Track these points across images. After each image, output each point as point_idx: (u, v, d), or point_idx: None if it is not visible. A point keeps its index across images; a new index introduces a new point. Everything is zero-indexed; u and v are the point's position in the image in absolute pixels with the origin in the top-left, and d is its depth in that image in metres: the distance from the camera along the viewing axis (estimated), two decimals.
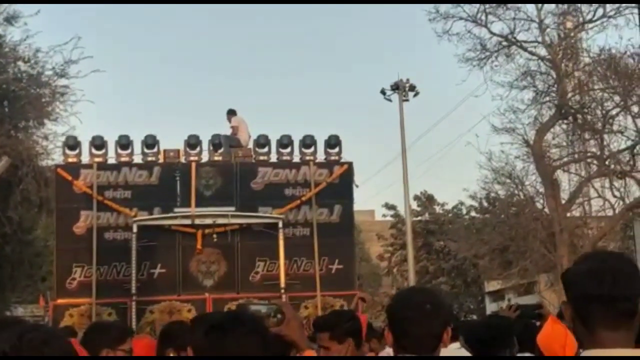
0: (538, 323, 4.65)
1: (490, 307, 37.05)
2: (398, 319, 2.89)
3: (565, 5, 24.17)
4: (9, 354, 1.34)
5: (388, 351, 6.85)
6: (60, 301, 14.21)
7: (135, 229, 13.90)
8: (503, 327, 4.28)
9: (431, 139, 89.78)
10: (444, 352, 2.95)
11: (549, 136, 24.68)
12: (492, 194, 28.12)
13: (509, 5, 23.87)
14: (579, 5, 23.99)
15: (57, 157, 20.91)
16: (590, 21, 23.83)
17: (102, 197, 14.41)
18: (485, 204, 31.87)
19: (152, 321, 13.28)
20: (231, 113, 16.18)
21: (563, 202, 24.29)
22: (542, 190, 24.70)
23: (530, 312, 4.93)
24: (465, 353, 6.03)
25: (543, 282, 26.26)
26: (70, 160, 14.85)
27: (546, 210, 24.54)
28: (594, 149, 24.55)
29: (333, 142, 15.43)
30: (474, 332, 4.41)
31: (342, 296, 14.40)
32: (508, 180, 25.78)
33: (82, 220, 14.43)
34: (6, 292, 26.53)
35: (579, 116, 24.34)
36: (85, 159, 14.82)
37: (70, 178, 14.51)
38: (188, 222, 14.34)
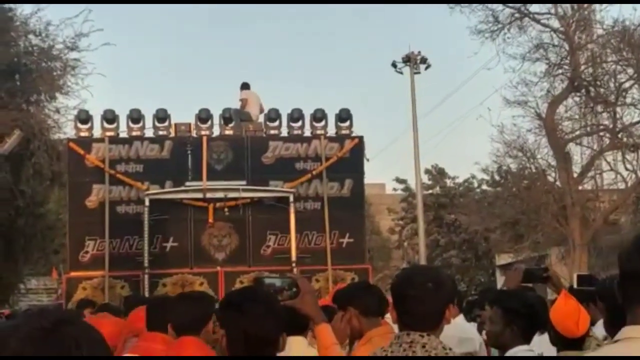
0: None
1: (501, 281, 37.06)
2: (401, 297, 2.96)
3: None
4: (38, 341, 1.34)
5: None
6: (73, 274, 14.31)
7: (147, 203, 13.95)
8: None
9: (442, 112, 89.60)
10: (447, 328, 2.98)
11: (561, 109, 24.58)
12: (504, 167, 28.07)
13: None
14: None
15: (68, 131, 20.98)
16: None
17: (114, 170, 14.44)
18: (496, 177, 31.83)
19: (164, 294, 13.34)
20: (244, 87, 16.17)
21: (575, 175, 24.25)
22: (554, 163, 24.66)
23: (537, 274, 4.81)
24: (468, 327, 6.06)
25: (554, 256, 26.25)
26: (82, 134, 14.87)
27: (558, 183, 24.49)
28: (606, 122, 24.43)
29: (344, 115, 15.40)
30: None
31: (352, 269, 14.44)
32: (520, 154, 25.72)
33: (94, 194, 14.48)
34: (19, 264, 26.73)
35: (592, 89, 24.20)
36: (97, 132, 14.84)
37: (82, 152, 14.55)
38: (199, 195, 14.38)
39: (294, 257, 14.10)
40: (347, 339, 4.05)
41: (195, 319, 3.91)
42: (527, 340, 3.67)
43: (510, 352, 3.69)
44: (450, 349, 2.90)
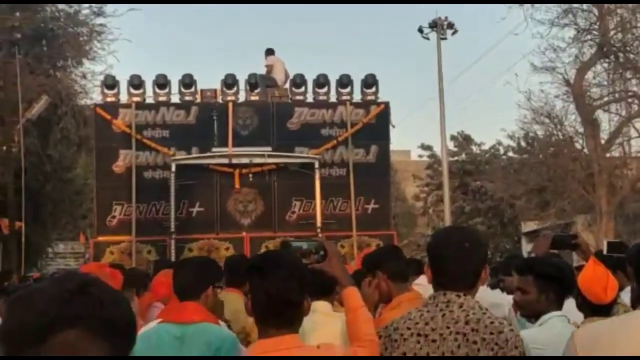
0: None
1: (527, 248, 36.98)
2: (437, 257, 2.95)
3: None
4: (67, 299, 1.36)
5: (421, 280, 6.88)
6: (100, 238, 14.46)
7: (173, 168, 14.02)
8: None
9: (469, 78, 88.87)
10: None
11: (589, 75, 24.29)
12: (531, 134, 27.86)
13: None
14: None
15: (95, 97, 21.09)
16: None
17: (141, 136, 14.51)
18: (523, 144, 31.60)
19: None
20: (269, 52, 16.11)
21: (603, 142, 24.01)
22: (581, 130, 24.42)
23: (566, 241, 4.77)
24: (496, 292, 6.06)
25: (580, 223, 26.09)
26: (108, 99, 14.94)
27: (585, 150, 24.29)
28: (635, 88, 24.13)
29: (370, 81, 15.32)
30: None
31: (377, 236, 14.45)
32: (547, 120, 25.49)
33: (121, 159, 14.58)
34: (47, 229, 27.06)
35: (621, 54, 23.86)
36: (123, 98, 14.90)
37: (109, 117, 14.62)
38: (225, 161, 14.42)
39: (319, 223, 14.15)
40: (376, 304, 4.06)
41: (193, 284, 4.00)
42: (560, 306, 3.67)
43: (546, 318, 3.69)
44: (486, 309, 2.89)
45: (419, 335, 2.85)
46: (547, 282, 3.67)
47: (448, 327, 2.80)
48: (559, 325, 3.46)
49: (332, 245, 3.44)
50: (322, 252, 3.29)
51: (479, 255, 2.93)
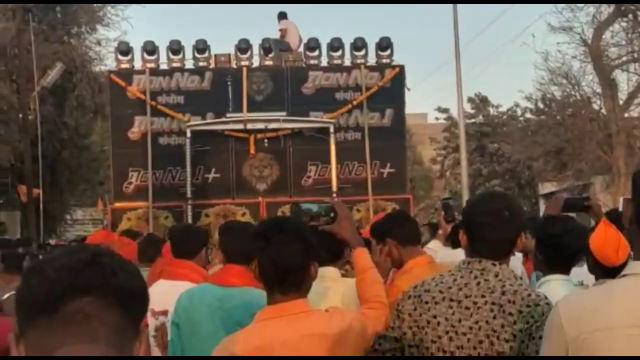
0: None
1: (544, 210, 36.82)
2: (475, 224, 2.92)
3: None
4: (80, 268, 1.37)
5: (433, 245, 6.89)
6: (118, 205, 14.55)
7: (188, 134, 14.04)
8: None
9: (486, 39, 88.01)
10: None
11: (607, 35, 23.97)
12: (548, 95, 27.60)
13: None
14: None
15: (109, 63, 21.11)
16: None
17: (156, 102, 14.52)
18: (540, 105, 31.34)
19: (207, 224, 13.50)
20: (281, 16, 15.99)
21: (621, 102, 23.78)
22: (599, 90, 24.18)
23: (578, 204, 4.73)
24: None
25: (598, 184, 25.96)
26: (123, 66, 14.93)
27: (603, 111, 24.07)
28: None
29: (384, 44, 15.21)
30: None
31: (393, 199, 14.45)
32: (564, 81, 25.23)
33: (137, 125, 14.61)
34: (65, 196, 27.29)
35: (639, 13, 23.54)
36: (137, 64, 14.89)
37: (123, 84, 14.63)
38: (240, 127, 14.41)
39: (334, 188, 14.15)
40: (389, 271, 4.04)
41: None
42: (560, 270, 3.67)
43: (543, 279, 3.70)
44: (520, 278, 2.88)
45: (451, 300, 2.83)
46: (539, 243, 3.71)
47: (483, 296, 2.78)
48: (560, 288, 3.45)
49: (342, 206, 3.42)
50: (332, 214, 3.28)
51: (517, 224, 2.91)
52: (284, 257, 2.75)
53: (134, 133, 14.63)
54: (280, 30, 15.70)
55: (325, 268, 3.71)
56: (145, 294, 1.45)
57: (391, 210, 13.40)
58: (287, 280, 2.77)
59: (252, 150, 14.50)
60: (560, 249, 3.66)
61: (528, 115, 35.38)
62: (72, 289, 1.34)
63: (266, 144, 14.52)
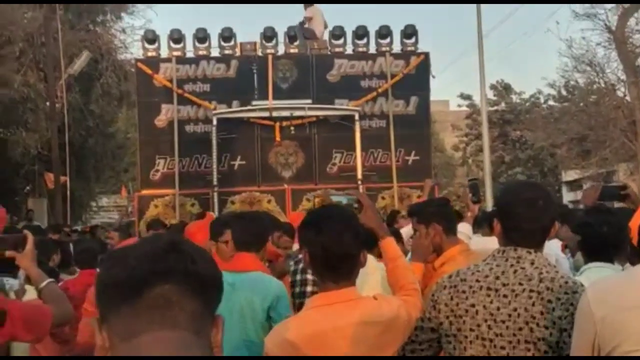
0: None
1: (567, 197, 36.73)
2: (510, 214, 2.95)
3: None
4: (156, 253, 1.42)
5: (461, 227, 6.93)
6: (144, 192, 14.67)
7: (214, 122, 14.12)
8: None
9: (509, 26, 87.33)
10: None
11: (632, 21, 23.82)
12: (572, 82, 27.54)
13: None
14: None
15: (135, 51, 21.24)
16: None
17: (182, 90, 14.62)
18: (564, 92, 31.23)
19: (233, 211, 13.62)
20: (308, 3, 16.01)
21: None
22: (623, 77, 24.05)
23: (615, 192, 4.67)
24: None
25: (622, 172, 25.88)
26: (149, 54, 15.03)
27: (627, 98, 23.95)
28: None
29: (409, 32, 15.21)
30: None
31: (418, 187, 14.46)
32: (588, 68, 25.12)
33: (163, 113, 14.72)
34: (90, 183, 27.51)
35: None
36: (163, 52, 14.99)
37: (150, 72, 14.74)
38: (266, 114, 14.48)
39: (359, 175, 14.21)
40: (428, 256, 4.10)
41: (252, 238, 4.62)
42: (602, 259, 3.73)
43: (585, 268, 3.75)
44: (555, 266, 2.93)
45: (488, 289, 2.86)
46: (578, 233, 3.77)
47: (521, 284, 2.81)
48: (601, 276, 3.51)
49: (365, 197, 3.49)
50: (356, 205, 3.36)
51: (550, 213, 2.94)
52: (336, 246, 2.79)
53: (161, 121, 14.75)
54: (306, 17, 15.72)
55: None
56: (220, 281, 1.50)
57: (416, 197, 13.48)
58: (339, 268, 2.82)
59: (277, 138, 14.58)
60: (601, 239, 3.70)
61: (551, 102, 35.28)
62: (153, 276, 1.38)
63: (292, 132, 14.58)
